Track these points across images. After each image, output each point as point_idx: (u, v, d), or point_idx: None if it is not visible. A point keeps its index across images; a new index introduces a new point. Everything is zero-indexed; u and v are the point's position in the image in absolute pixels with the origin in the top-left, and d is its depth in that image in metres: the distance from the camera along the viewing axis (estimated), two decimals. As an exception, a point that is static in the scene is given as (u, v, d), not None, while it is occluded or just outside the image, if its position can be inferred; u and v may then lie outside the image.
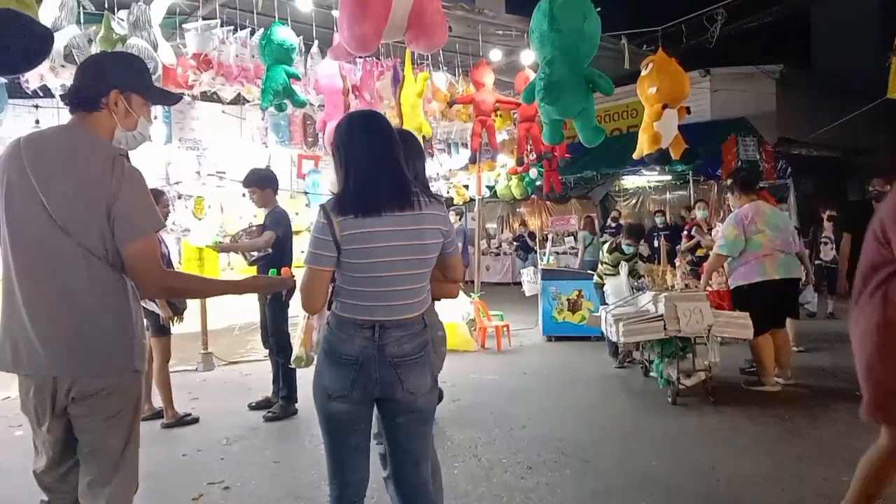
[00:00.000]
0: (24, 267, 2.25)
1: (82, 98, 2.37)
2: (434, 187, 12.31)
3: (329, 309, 2.54)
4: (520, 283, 12.19)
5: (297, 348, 5.66)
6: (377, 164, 2.47)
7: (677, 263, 6.84)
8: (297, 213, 9.42)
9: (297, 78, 6.63)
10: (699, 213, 9.69)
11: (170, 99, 2.96)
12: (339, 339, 2.46)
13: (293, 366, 5.45)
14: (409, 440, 2.59)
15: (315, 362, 2.64)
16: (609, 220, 15.44)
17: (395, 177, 2.48)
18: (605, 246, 7.79)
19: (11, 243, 2.27)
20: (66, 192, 2.23)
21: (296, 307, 5.99)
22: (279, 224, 5.78)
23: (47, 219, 2.22)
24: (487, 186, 12.44)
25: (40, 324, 2.24)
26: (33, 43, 3.19)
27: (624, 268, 7.12)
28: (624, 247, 7.40)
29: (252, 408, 6.03)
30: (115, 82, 2.38)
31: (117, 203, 2.23)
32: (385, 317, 2.44)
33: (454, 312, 8.60)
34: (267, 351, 6.23)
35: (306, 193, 10.18)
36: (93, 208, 2.23)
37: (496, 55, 9.07)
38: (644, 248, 8.32)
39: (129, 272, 2.31)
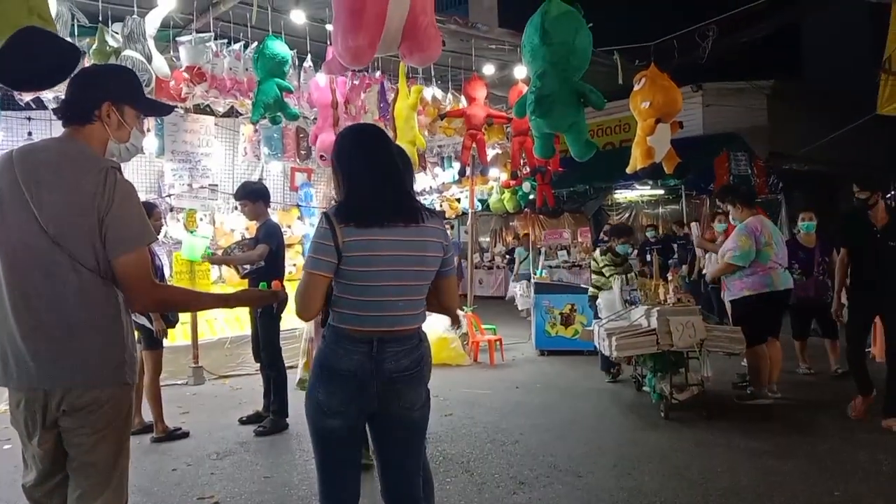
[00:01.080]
0: (15, 278, 2.24)
1: (75, 111, 2.37)
2: (427, 200, 12.33)
3: (323, 325, 2.53)
4: (513, 297, 12.20)
5: (300, 371, 5.63)
6: (380, 176, 2.48)
7: (669, 277, 6.84)
8: (289, 226, 9.42)
9: (290, 91, 6.65)
10: (718, 227, 9.71)
11: (162, 110, 2.96)
12: (336, 354, 2.43)
13: (297, 389, 5.40)
14: (403, 455, 2.57)
15: (309, 377, 2.62)
16: (602, 234, 15.49)
17: (398, 189, 2.50)
18: (597, 251, 7.83)
19: (2, 255, 2.25)
20: (58, 203, 2.22)
21: (287, 320, 5.99)
22: (271, 237, 5.76)
23: (39, 230, 2.21)
24: (480, 200, 12.45)
25: (30, 336, 2.22)
26: (60, 59, 3.16)
27: (617, 281, 7.12)
28: (619, 248, 7.48)
29: (243, 422, 5.99)
30: (107, 94, 2.38)
31: (109, 216, 2.23)
32: (385, 328, 2.43)
33: (445, 325, 8.60)
34: (258, 365, 6.20)
35: (299, 206, 10.17)
36: (85, 220, 2.22)
37: (489, 69, 9.10)
38: (635, 261, 8.35)
39: (120, 285, 2.30)
